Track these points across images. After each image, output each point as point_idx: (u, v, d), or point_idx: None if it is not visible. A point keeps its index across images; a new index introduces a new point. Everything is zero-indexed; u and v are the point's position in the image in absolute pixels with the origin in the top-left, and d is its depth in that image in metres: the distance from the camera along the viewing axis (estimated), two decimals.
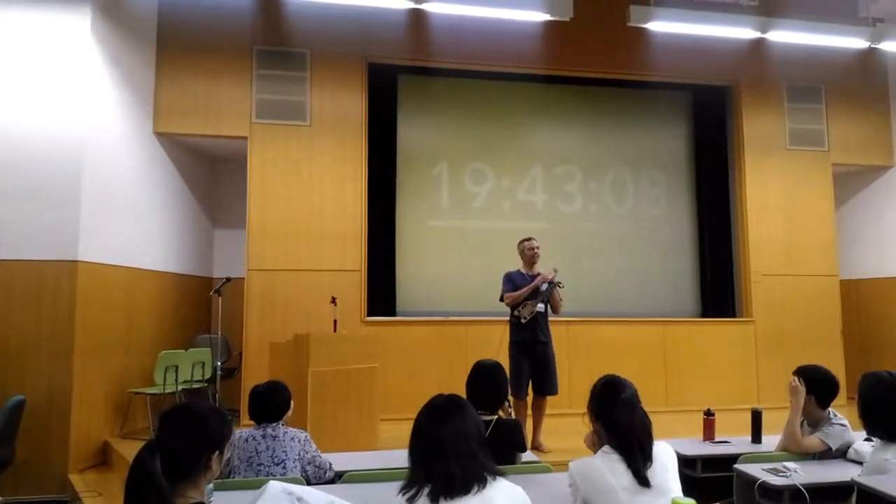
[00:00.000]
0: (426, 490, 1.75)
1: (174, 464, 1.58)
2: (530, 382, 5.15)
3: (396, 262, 7.06)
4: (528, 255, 5.29)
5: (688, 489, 2.16)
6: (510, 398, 3.20)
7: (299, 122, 6.62)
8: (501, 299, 5.28)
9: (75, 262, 5.13)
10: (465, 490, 1.74)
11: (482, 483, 1.77)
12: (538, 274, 5.24)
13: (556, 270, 5.24)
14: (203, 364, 6.13)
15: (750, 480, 2.74)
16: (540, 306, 5.13)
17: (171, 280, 6.62)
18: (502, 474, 1.84)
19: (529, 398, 5.21)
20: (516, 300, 5.15)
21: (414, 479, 1.79)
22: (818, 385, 3.15)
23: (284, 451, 2.89)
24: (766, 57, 7.40)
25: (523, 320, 5.10)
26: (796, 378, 3.17)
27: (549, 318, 5.30)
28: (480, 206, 7.39)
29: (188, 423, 1.67)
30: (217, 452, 1.68)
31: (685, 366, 7.08)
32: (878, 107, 7.88)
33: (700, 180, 7.84)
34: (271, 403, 3.04)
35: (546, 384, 5.13)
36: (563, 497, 2.21)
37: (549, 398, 5.21)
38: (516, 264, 5.43)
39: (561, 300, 5.30)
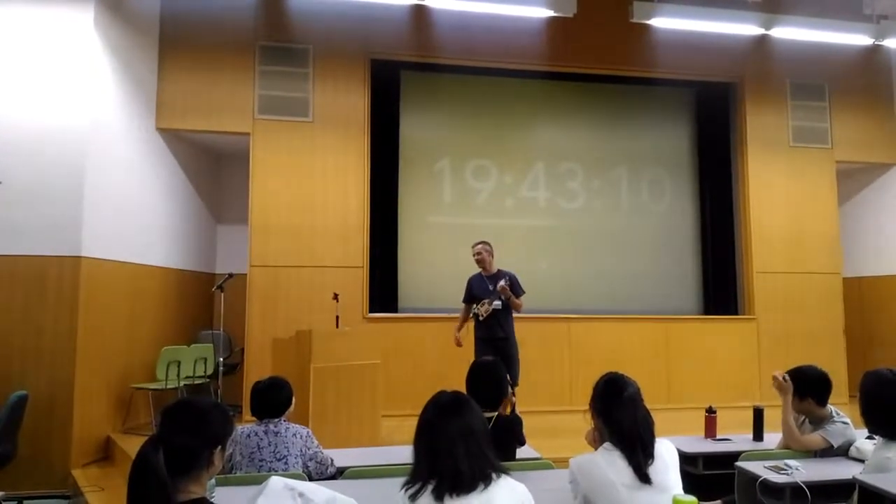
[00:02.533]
0: (430, 487, 1.75)
1: (176, 459, 1.58)
2: None
3: (398, 259, 7.06)
4: (475, 259, 5.54)
5: (689, 486, 2.16)
6: (513, 390, 3.21)
7: (302, 118, 6.62)
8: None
9: (78, 257, 5.15)
10: (470, 487, 1.74)
11: (487, 481, 1.77)
12: (496, 272, 5.48)
13: (504, 286, 5.31)
14: (205, 360, 6.15)
15: (751, 478, 2.74)
16: (497, 304, 5.35)
17: (173, 276, 6.63)
18: (507, 472, 1.85)
19: None
20: (461, 315, 5.65)
21: (417, 476, 1.79)
22: (813, 385, 3.15)
23: (286, 447, 2.89)
24: (769, 54, 7.38)
25: (480, 318, 5.39)
26: (781, 375, 3.17)
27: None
28: (483, 202, 7.38)
29: (190, 419, 1.68)
30: (219, 448, 1.68)
31: (687, 363, 7.08)
32: (882, 104, 7.85)
33: (703, 177, 7.82)
34: (273, 399, 3.04)
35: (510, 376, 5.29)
36: (564, 493, 2.21)
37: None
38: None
39: (521, 303, 5.46)
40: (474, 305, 5.47)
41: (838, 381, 3.23)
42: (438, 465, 1.77)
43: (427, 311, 6.91)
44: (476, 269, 5.63)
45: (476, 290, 5.50)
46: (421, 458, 1.82)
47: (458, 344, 5.55)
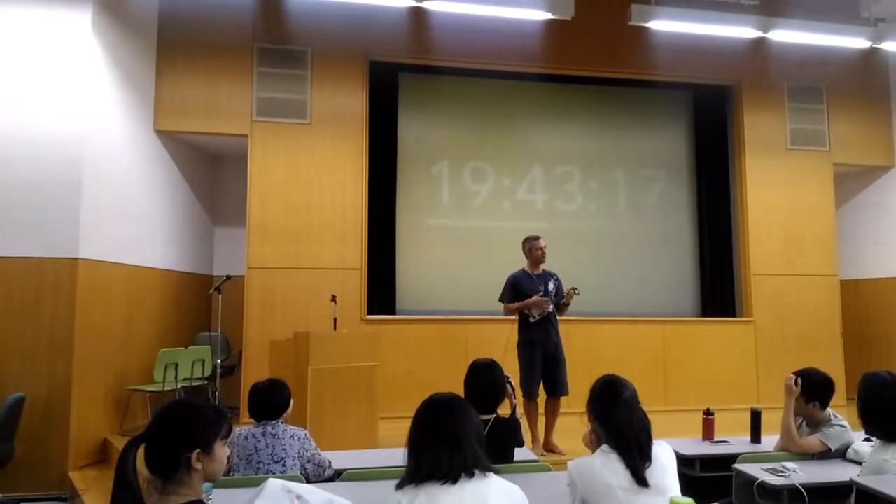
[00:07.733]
0: (416, 477, 1.76)
1: (155, 460, 1.61)
2: (541, 383, 5.02)
3: (396, 261, 7.06)
4: (536, 255, 5.11)
5: (686, 489, 2.16)
6: (512, 385, 3.18)
7: (300, 120, 6.62)
8: (501, 299, 5.19)
9: (76, 259, 5.13)
10: (452, 478, 1.74)
11: (470, 475, 1.76)
12: (542, 273, 5.14)
13: (576, 292, 5.04)
14: (203, 362, 6.14)
15: (749, 480, 2.74)
16: (551, 307, 5.00)
17: (171, 278, 6.62)
18: (496, 472, 1.84)
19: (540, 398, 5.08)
20: (511, 313, 5.09)
21: (410, 472, 1.80)
22: (818, 388, 3.14)
23: (284, 449, 2.89)
24: (767, 56, 7.39)
25: (532, 319, 4.97)
26: (794, 377, 3.17)
27: (566, 317, 5.26)
28: (480, 205, 7.38)
29: (170, 421, 1.68)
30: (198, 451, 1.63)
31: (685, 365, 7.08)
32: (879, 107, 7.88)
33: (700, 180, 7.83)
34: (271, 401, 3.04)
35: (558, 385, 4.96)
36: (561, 496, 2.21)
37: (538, 397, 5.05)
38: (516, 263, 5.32)
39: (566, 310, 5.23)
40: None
41: (836, 383, 3.23)
42: (422, 454, 1.79)
43: (425, 312, 6.92)
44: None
45: (527, 289, 4.99)
46: (412, 453, 1.83)
47: (544, 305, 4.95)
